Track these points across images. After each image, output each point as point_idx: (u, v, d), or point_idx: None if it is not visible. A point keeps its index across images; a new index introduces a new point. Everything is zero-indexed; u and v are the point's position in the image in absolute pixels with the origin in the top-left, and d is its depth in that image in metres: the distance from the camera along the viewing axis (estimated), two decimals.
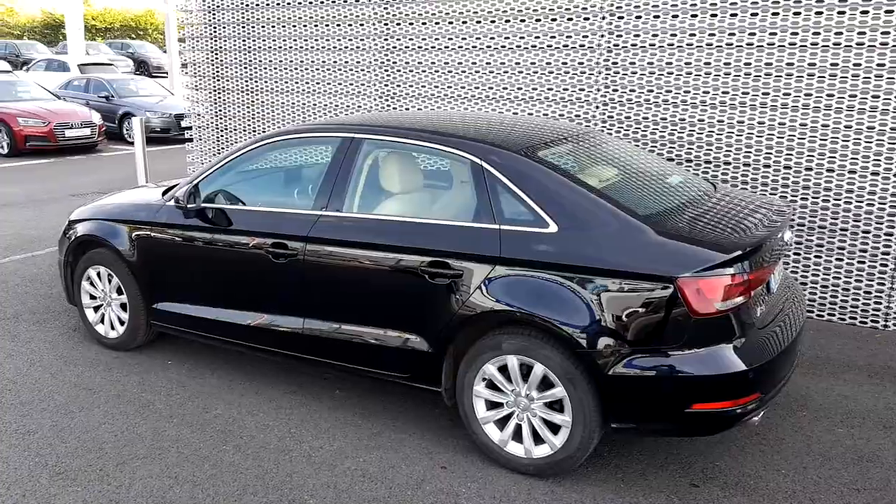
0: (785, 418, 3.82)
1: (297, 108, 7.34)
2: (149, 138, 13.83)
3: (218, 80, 7.81)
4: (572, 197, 3.16)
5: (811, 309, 5.27)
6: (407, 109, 6.63)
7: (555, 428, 3.16)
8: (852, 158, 4.94)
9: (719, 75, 5.25)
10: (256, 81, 7.54)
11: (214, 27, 7.60)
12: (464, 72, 6.30)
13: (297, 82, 7.27)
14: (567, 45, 5.81)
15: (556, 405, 3.14)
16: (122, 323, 4.47)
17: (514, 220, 3.21)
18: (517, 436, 3.26)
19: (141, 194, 4.60)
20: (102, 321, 4.57)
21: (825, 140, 5.01)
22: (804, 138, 5.08)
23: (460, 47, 6.26)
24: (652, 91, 5.52)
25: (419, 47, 6.47)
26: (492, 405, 3.31)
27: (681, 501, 3.11)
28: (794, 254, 5.26)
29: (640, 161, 3.84)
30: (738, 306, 2.92)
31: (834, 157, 4.99)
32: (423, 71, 6.49)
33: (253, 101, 7.64)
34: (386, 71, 6.71)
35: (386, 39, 6.64)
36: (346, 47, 6.90)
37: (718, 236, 3.04)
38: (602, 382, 2.99)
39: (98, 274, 4.50)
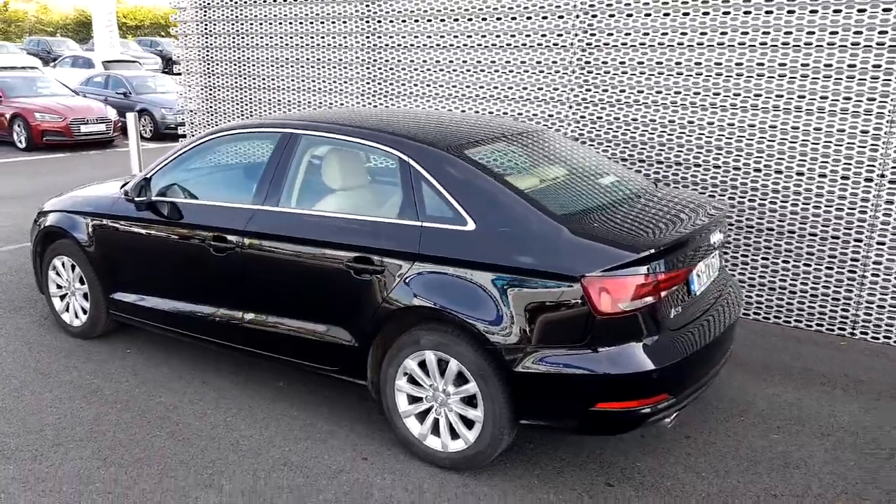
0: (721, 422, 3.80)
1: (286, 105, 7.45)
2: (164, 134, 14.26)
3: (209, 77, 7.96)
4: (491, 195, 3.19)
5: (777, 315, 5.21)
6: (387, 107, 6.70)
7: (470, 423, 3.20)
8: (822, 162, 4.87)
9: (690, 75, 5.21)
10: (247, 78, 7.68)
11: (206, 24, 7.76)
12: (442, 70, 6.35)
13: (286, 79, 7.39)
14: (542, 45, 5.83)
15: (470, 401, 3.17)
16: (84, 312, 4.61)
17: (435, 218, 3.25)
18: (436, 430, 3.31)
19: (105, 187, 4.74)
20: (68, 310, 4.72)
21: (793, 142, 4.95)
22: (773, 141, 5.02)
23: (438, 45, 6.31)
24: (624, 91, 5.50)
25: (400, 45, 6.53)
26: (412, 399, 3.36)
27: (591, 500, 3.13)
28: (762, 258, 5.21)
29: (577, 160, 3.85)
30: (646, 307, 2.92)
31: (803, 161, 4.92)
32: (405, 69, 6.55)
33: (243, 98, 7.78)
34: (368, 68, 6.79)
35: (369, 37, 6.72)
36: (331, 45, 6.99)
37: (633, 236, 3.04)
38: (511, 379, 3.02)
39: (63, 264, 4.65)
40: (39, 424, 3.64)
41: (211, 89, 7.99)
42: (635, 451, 3.51)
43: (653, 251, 2.92)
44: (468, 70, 6.21)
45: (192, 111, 8.18)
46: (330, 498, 3.10)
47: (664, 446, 3.56)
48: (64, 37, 31.71)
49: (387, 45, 6.62)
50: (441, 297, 3.15)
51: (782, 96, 4.91)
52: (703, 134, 5.25)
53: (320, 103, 7.19)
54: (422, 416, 3.35)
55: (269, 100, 7.58)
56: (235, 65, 7.73)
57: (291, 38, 7.22)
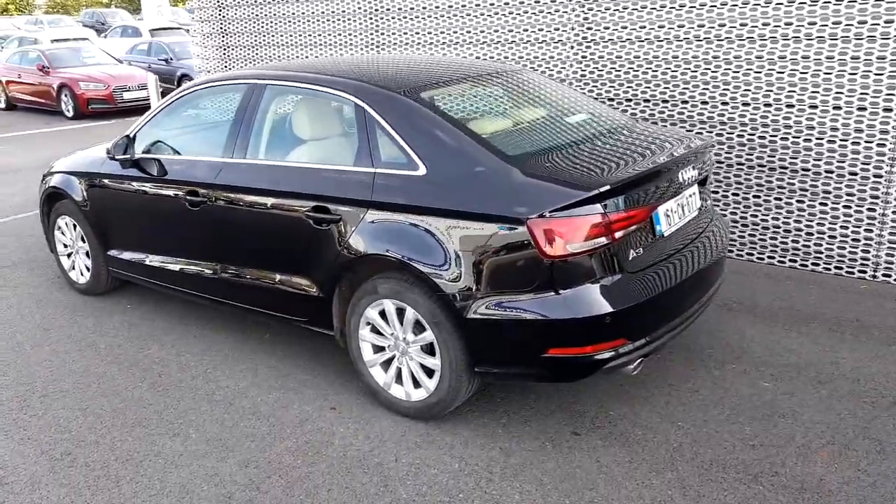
0: (710, 370, 3.63)
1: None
2: None
3: (225, 37, 7.97)
4: (442, 139, 3.07)
5: (794, 259, 4.92)
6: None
7: (430, 372, 3.14)
8: (835, 93, 4.50)
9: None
10: (262, 36, 7.65)
11: None
12: (442, 16, 6.16)
13: (296, 35, 7.32)
14: None
15: (429, 349, 3.11)
16: (88, 269, 4.75)
17: (389, 164, 3.16)
18: (400, 379, 3.27)
19: (102, 148, 4.81)
20: (74, 268, 4.87)
21: (804, 73, 4.59)
22: (783, 73, 4.67)
23: None
24: (626, 28, 5.21)
25: None
26: (377, 349, 3.33)
27: (555, 449, 3.04)
28: (775, 198, 4.91)
29: (549, 100, 3.66)
30: (599, 248, 2.77)
31: (815, 93, 4.57)
32: (410, 18, 6.39)
33: (257, 56, 7.76)
34: (372, 19, 6.65)
35: None
36: None
37: (586, 175, 2.87)
38: (463, 326, 2.94)
39: (66, 223, 4.79)
40: (32, 377, 3.79)
41: (226, 49, 8.01)
42: (611, 399, 3.39)
43: (604, 189, 2.75)
44: (473, 14, 6.00)
45: (208, 72, 8.23)
46: (290, 446, 3.12)
47: (643, 395, 3.43)
48: (119, 7, 32.44)
49: None
50: (394, 244, 3.07)
51: (791, 24, 4.54)
52: (708, 68, 4.93)
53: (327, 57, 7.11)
54: (386, 365, 3.32)
55: (282, 56, 7.55)
56: (250, 22, 7.71)
57: None
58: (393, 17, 6.52)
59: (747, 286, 4.66)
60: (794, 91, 4.67)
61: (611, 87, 5.41)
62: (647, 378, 3.57)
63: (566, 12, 5.51)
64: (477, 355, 2.98)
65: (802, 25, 4.54)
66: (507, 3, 5.81)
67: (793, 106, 4.70)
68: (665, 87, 5.17)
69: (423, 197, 3.01)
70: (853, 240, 4.70)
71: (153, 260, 4.20)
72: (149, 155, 4.06)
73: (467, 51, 6.13)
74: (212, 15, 8.06)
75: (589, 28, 5.42)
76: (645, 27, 5.13)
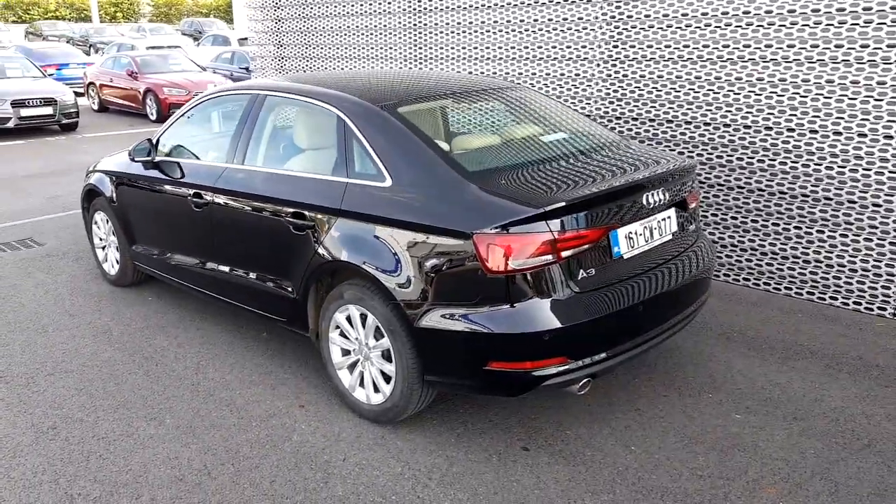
0: (684, 397, 3.57)
1: None
2: None
3: (280, 48, 8.36)
4: (409, 152, 3.18)
5: (811, 291, 4.74)
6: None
7: (389, 378, 3.24)
8: (860, 119, 4.33)
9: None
10: (314, 48, 7.98)
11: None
12: (475, 32, 6.27)
13: (345, 48, 7.60)
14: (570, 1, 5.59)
15: (388, 355, 3.21)
16: (118, 262, 5.10)
17: (361, 174, 3.29)
18: (363, 382, 3.38)
19: None
20: (107, 260, 5.25)
21: (828, 98, 4.44)
22: (806, 97, 4.53)
23: (477, 6, 6.23)
24: (650, 46, 5.17)
25: (447, 7, 6.51)
26: (344, 352, 3.46)
27: (499, 462, 3.08)
28: (795, 227, 4.74)
29: (533, 116, 3.70)
30: (543, 265, 2.80)
31: (840, 119, 4.40)
32: (446, 33, 6.54)
33: (307, 68, 8.09)
34: (412, 33, 6.84)
35: (410, 1, 6.75)
36: (377, 11, 7.10)
37: (538, 193, 2.91)
38: (414, 335, 3.02)
39: (101, 219, 5.17)
40: (45, 357, 4.12)
41: (281, 59, 8.39)
42: (572, 418, 3.39)
43: (551, 208, 2.78)
44: (506, 30, 6.09)
45: None
46: (251, 438, 3.28)
47: (606, 416, 3.41)
48: (216, 17, 34.23)
49: (427, 8, 6.63)
50: (357, 252, 3.20)
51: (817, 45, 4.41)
52: (718, 91, 4.83)
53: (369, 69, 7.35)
54: (352, 368, 3.44)
55: (329, 68, 7.84)
56: (301, 35, 8.06)
57: (349, 6, 7.41)
58: (431, 33, 6.69)
59: (755, 317, 4.53)
60: (817, 116, 4.52)
61: (634, 106, 5.37)
62: (617, 400, 3.55)
63: (593, 30, 5.51)
64: (426, 364, 3.05)
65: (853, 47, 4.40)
66: (536, 21, 5.86)
67: (816, 132, 4.54)
68: (688, 109, 5.10)
69: (385, 208, 3.12)
70: (874, 274, 4.48)
71: (166, 255, 4.49)
72: (165, 158, 4.36)
73: (498, 66, 6.22)
74: (269, 27, 8.47)
75: (615, 46, 5.41)
76: (669, 46, 5.08)
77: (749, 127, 4.82)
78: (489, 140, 3.44)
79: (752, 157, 4.85)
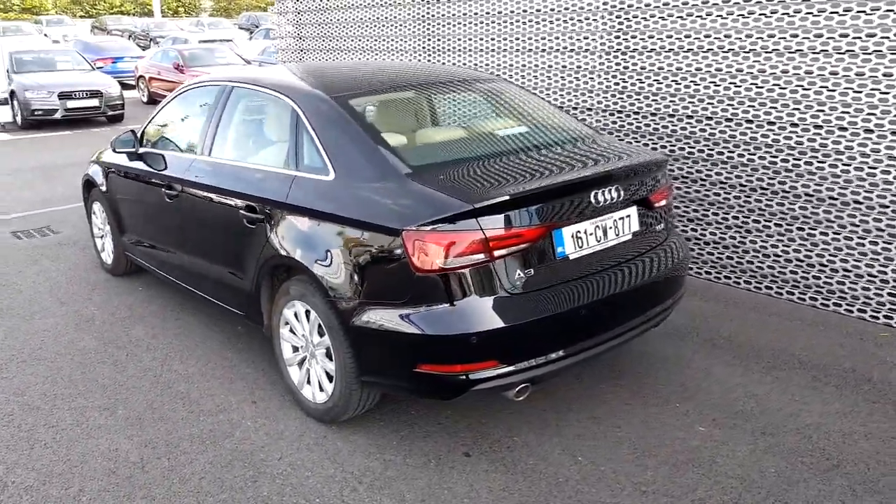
0: (649, 407, 3.38)
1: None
2: None
3: (301, 41, 8.38)
4: (353, 145, 3.09)
5: (814, 297, 4.44)
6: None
7: (332, 377, 3.17)
8: (879, 116, 4.02)
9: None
10: (332, 41, 7.96)
11: None
12: (486, 23, 6.11)
13: (358, 40, 7.55)
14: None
15: (331, 354, 3.13)
16: (113, 252, 5.19)
17: (308, 167, 3.22)
18: (309, 380, 3.32)
19: None
20: (104, 249, 5.35)
21: (857, 92, 4.13)
22: (833, 91, 4.23)
23: None
24: (652, 37, 4.92)
25: None
26: (294, 349, 3.40)
27: (437, 467, 2.97)
28: (798, 228, 4.45)
29: (498, 111, 3.56)
30: (474, 265, 2.67)
31: (856, 115, 4.10)
32: (452, 24, 6.41)
33: (328, 60, 8.09)
34: (425, 25, 6.73)
35: None
36: (388, 3, 7.02)
37: (471, 189, 2.77)
38: (348, 333, 2.94)
39: (98, 209, 5.26)
40: (25, 344, 4.20)
41: (302, 52, 8.41)
42: (524, 425, 3.25)
43: (481, 205, 2.64)
44: (515, 21, 5.92)
45: None
46: (194, 433, 3.26)
47: (560, 424, 3.25)
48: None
49: None
50: (299, 247, 3.13)
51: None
52: (754, 83, 4.56)
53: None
54: (301, 365, 3.38)
55: (343, 60, 7.81)
56: (320, 27, 8.05)
57: None
58: (437, 24, 6.57)
59: (750, 323, 4.27)
60: (832, 113, 4.22)
61: (636, 99, 5.14)
62: (576, 406, 3.39)
63: (595, 20, 5.29)
64: (361, 364, 2.97)
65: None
66: (538, 10, 5.68)
67: (820, 127, 4.25)
68: (689, 102, 4.84)
69: (325, 202, 3.04)
70: (881, 280, 4.17)
71: (147, 246, 4.53)
72: (148, 150, 4.39)
73: (498, 59, 6.05)
74: (291, 20, 8.50)
75: (617, 37, 5.18)
76: (671, 36, 4.83)
77: (751, 122, 4.54)
78: (444, 134, 3.32)
79: (754, 155, 4.57)
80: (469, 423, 3.27)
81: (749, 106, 4.52)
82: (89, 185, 5.28)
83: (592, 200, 2.93)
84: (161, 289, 5.00)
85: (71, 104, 12.80)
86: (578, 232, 2.93)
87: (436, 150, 3.18)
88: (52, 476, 2.96)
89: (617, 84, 5.23)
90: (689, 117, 4.83)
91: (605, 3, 5.18)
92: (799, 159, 4.36)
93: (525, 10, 5.77)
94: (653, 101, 5.03)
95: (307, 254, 3.08)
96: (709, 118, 4.74)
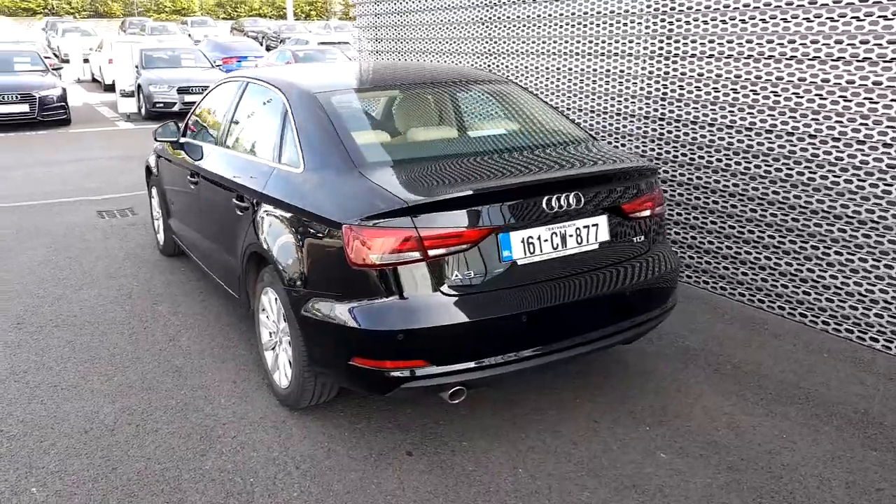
0: (615, 427, 3.23)
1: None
2: None
3: (378, 42, 8.60)
4: (322, 140, 3.16)
5: (852, 329, 4.05)
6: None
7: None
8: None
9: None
10: (405, 42, 8.13)
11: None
12: (543, 26, 6.04)
13: (427, 42, 7.67)
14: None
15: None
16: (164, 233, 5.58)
17: (286, 160, 3.33)
18: (280, 365, 3.43)
19: None
20: (159, 231, 5.75)
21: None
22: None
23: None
24: (695, 42, 4.68)
25: (505, 2, 6.35)
26: (270, 334, 3.52)
27: (375, 462, 2.99)
28: (836, 253, 4.08)
29: (486, 112, 3.52)
30: (405, 262, 2.67)
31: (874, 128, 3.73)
32: (514, 26, 6.37)
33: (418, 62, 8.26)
34: (485, 27, 6.74)
35: None
36: (449, 6, 7.07)
37: (414, 188, 2.77)
38: (299, 323, 3.02)
39: (155, 192, 5.67)
40: (64, 311, 4.60)
41: (377, 53, 8.63)
42: (479, 431, 3.20)
43: (416, 203, 2.64)
44: (569, 24, 5.81)
45: None
46: (171, 404, 3.44)
47: (517, 434, 3.18)
48: None
49: (502, 1, 6.50)
50: (268, 236, 3.25)
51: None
52: (797, 92, 4.25)
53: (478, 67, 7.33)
54: (273, 350, 3.50)
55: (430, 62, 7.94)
56: (394, 29, 8.24)
57: (434, 0, 7.47)
58: (503, 27, 6.55)
59: (768, 351, 3.97)
60: (875, 128, 3.86)
61: (676, 106, 4.89)
62: (542, 418, 3.30)
63: (640, 23, 5.10)
64: (310, 354, 3.03)
65: None
66: (586, 13, 5.53)
67: (863, 143, 3.88)
68: (739, 111, 4.56)
69: (292, 194, 3.14)
70: (887, 302, 3.75)
71: (183, 229, 4.84)
72: (187, 139, 4.69)
73: (543, 61, 5.94)
74: (369, 22, 8.75)
75: (661, 42, 4.96)
76: (715, 41, 4.57)
77: (791, 134, 4.21)
78: (418, 132, 3.33)
79: (792, 170, 4.23)
80: (425, 423, 3.26)
81: (790, 117, 4.19)
82: (149, 171, 5.70)
83: (545, 206, 2.84)
84: (198, 271, 5.31)
85: (188, 98, 13.77)
86: (530, 237, 2.85)
87: (402, 148, 3.21)
88: (35, 429, 3.24)
89: (657, 90, 5.01)
90: (729, 127, 4.54)
91: (649, 7, 4.97)
92: (838, 176, 4.00)
93: (573, 14, 5.65)
94: (693, 109, 4.78)
95: (272, 243, 3.19)
96: (748, 129, 4.43)
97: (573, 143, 3.38)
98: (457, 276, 2.74)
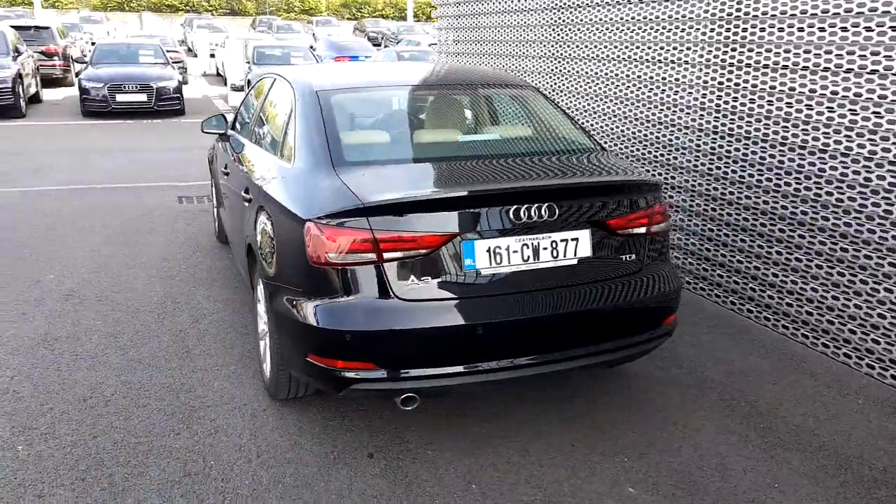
0: (593, 454, 3.07)
1: (517, 72, 7.68)
2: None
3: (458, 45, 8.61)
4: (312, 137, 3.20)
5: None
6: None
7: None
8: None
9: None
10: (484, 45, 8.10)
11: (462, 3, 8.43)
12: (612, 30, 5.83)
13: (516, 45, 7.60)
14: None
15: None
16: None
17: (285, 155, 3.40)
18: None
19: None
20: (217, 218, 6.04)
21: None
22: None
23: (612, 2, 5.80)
24: (760, 52, 4.35)
25: (578, 4, 6.18)
26: (264, 324, 3.60)
27: (333, 461, 2.99)
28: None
29: (489, 116, 3.44)
30: (359, 263, 2.65)
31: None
32: (585, 31, 6.20)
33: (483, 65, 8.23)
34: (554, 30, 6.60)
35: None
36: (519, 9, 6.96)
37: (376, 189, 2.75)
38: (272, 316, 3.07)
39: (211, 182, 5.96)
40: (110, 287, 4.91)
41: (458, 55, 8.65)
42: (447, 440, 3.14)
43: (370, 204, 2.62)
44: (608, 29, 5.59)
45: None
46: (169, 382, 3.60)
47: (485, 449, 3.09)
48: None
49: (568, 4, 6.34)
50: (255, 229, 3.33)
51: None
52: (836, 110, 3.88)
53: (518, 68, 7.24)
54: (264, 340, 3.58)
55: (506, 67, 7.89)
56: (474, 31, 8.22)
57: (511, 2, 7.39)
58: (576, 30, 6.39)
59: (793, 391, 3.66)
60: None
61: (738, 121, 4.58)
62: (512, 436, 3.19)
63: (697, 28, 4.81)
64: (280, 347, 3.08)
65: None
66: (646, 18, 5.28)
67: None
68: (803, 129, 4.22)
69: (279, 189, 3.20)
70: None
71: (222, 216, 5.06)
72: (224, 131, 4.90)
73: (615, 67, 5.72)
74: (449, 24, 8.78)
75: (722, 50, 4.66)
76: (789, 51, 4.23)
77: (870, 159, 3.83)
78: (411, 134, 3.30)
79: (867, 200, 3.85)
80: (396, 427, 3.23)
81: (868, 139, 3.77)
82: (210, 161, 6.00)
83: (512, 216, 2.74)
84: None
85: None
86: (498, 247, 2.75)
87: (388, 149, 3.19)
88: (43, 393, 3.48)
89: (713, 102, 4.70)
90: (802, 147, 4.13)
91: (712, 13, 4.68)
92: None
93: (634, 19, 5.41)
94: (755, 124, 4.45)
95: (258, 236, 3.28)
96: (822, 150, 4.01)
97: (571, 153, 3.24)
98: (413, 281, 2.69)
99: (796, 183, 4.15)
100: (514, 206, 2.74)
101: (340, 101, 3.41)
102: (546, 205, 2.77)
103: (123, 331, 4.22)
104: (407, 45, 20.95)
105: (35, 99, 14.77)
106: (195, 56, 25.01)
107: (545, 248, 2.82)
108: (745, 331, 4.40)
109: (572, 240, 2.86)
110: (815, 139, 4.03)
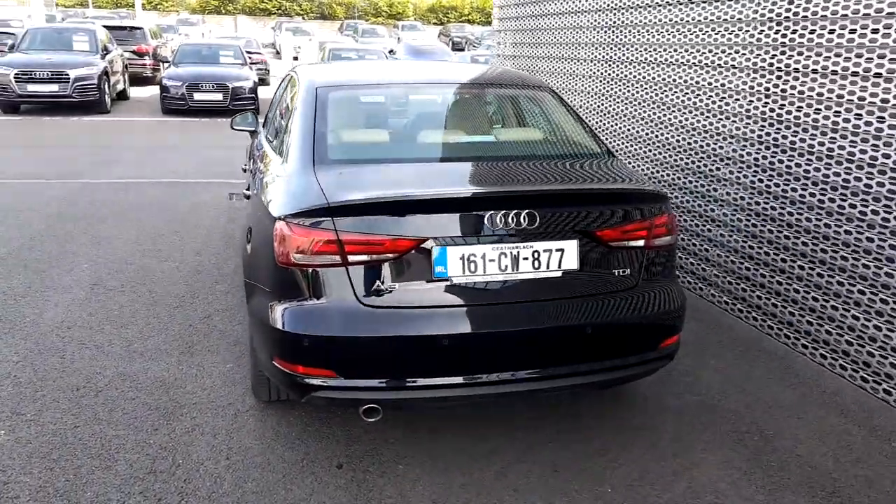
0: (572, 482, 2.86)
1: (562, 74, 7.44)
2: None
3: (516, 47, 8.44)
4: (301, 134, 3.13)
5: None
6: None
7: None
8: None
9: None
10: (537, 47, 7.90)
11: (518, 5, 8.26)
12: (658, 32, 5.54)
13: (563, 47, 7.38)
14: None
15: None
16: None
17: (283, 152, 3.33)
18: None
19: None
20: None
21: None
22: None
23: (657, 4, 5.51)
24: (812, 56, 4.00)
25: (627, 6, 5.91)
26: None
27: (300, 469, 2.90)
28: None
29: (490, 118, 3.28)
30: (323, 265, 2.54)
31: None
32: (629, 33, 5.92)
33: (535, 68, 8.03)
34: (606, 32, 6.33)
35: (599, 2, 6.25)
36: (569, 10, 6.72)
37: (346, 190, 2.63)
38: (249, 314, 3.01)
39: None
40: (137, 279, 5.00)
41: (514, 58, 8.47)
42: (422, 455, 3.00)
43: (334, 205, 2.51)
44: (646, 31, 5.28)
45: None
46: (165, 377, 3.60)
47: (460, 469, 2.92)
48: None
49: (618, 6, 6.07)
50: (247, 229, 3.28)
51: None
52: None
53: (573, 71, 7.01)
54: None
55: (555, 69, 7.67)
56: (527, 34, 8.04)
57: (567, 4, 7.17)
58: (627, 32, 6.12)
59: (819, 426, 3.33)
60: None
61: (777, 127, 4.22)
62: (497, 457, 3.00)
63: (746, 31, 4.47)
64: (255, 347, 3.01)
65: None
66: (680, 21, 4.96)
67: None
68: (851, 140, 3.85)
69: (265, 187, 3.14)
70: None
71: None
72: (255, 129, 4.92)
73: (664, 71, 5.42)
74: (508, 26, 8.61)
75: (773, 54, 4.31)
76: (829, 55, 3.88)
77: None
78: (405, 134, 3.18)
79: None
80: (373, 439, 3.11)
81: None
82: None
83: (488, 223, 2.56)
84: None
85: None
86: (472, 255, 2.59)
87: (375, 148, 3.08)
88: (40, 380, 3.55)
89: (758, 109, 4.36)
90: (849, 160, 3.77)
91: (760, 14, 4.34)
92: None
93: (672, 21, 5.09)
94: (804, 133, 4.10)
95: (249, 235, 3.22)
96: (870, 163, 3.64)
97: (570, 158, 3.04)
98: (378, 286, 2.57)
99: (841, 199, 3.77)
100: (490, 213, 2.57)
101: (338, 98, 3.33)
102: (526, 212, 2.59)
103: (135, 322, 4.28)
104: (486, 49, 20.81)
105: (122, 96, 15.51)
106: (281, 58, 25.78)
107: (525, 259, 2.64)
108: (777, 358, 4.04)
109: (557, 250, 2.66)
110: (861, 152, 3.65)
